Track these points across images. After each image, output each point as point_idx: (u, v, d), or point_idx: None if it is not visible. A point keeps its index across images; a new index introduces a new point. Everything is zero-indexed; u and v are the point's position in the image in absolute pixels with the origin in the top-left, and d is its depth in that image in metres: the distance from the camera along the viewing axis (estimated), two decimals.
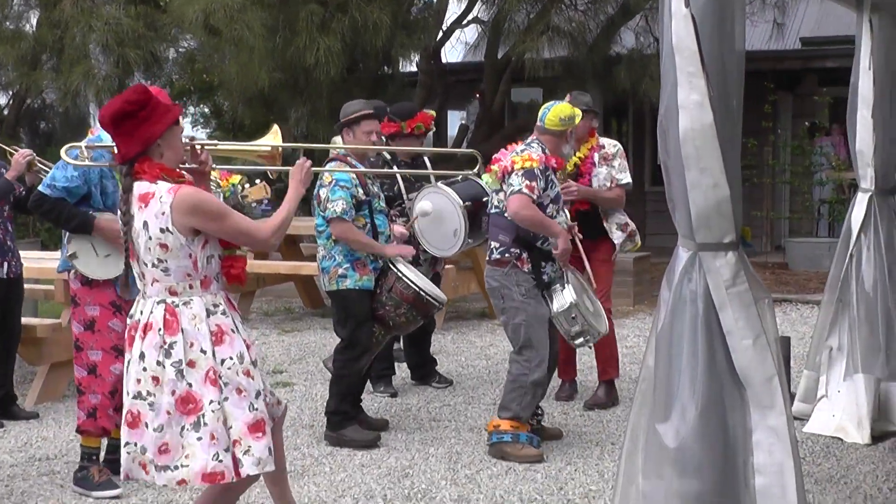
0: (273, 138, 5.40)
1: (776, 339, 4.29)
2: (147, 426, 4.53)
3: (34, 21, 18.07)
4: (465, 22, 16.24)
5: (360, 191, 6.87)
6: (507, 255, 6.61)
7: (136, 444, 4.56)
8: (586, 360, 8.47)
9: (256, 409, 4.58)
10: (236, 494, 4.91)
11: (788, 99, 17.64)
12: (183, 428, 4.51)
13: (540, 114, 6.78)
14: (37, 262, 8.77)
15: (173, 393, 4.50)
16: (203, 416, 4.49)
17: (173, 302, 4.56)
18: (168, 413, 4.50)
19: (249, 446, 4.54)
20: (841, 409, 6.95)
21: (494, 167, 6.75)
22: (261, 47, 13.18)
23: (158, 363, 4.51)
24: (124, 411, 4.62)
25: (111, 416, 6.11)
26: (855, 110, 6.82)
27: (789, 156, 16.69)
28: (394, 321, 6.96)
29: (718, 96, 4.02)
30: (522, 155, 6.60)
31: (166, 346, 4.51)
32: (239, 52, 13.61)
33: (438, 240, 7.85)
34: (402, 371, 8.78)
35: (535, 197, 6.47)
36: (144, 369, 4.53)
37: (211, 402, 4.49)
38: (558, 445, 6.89)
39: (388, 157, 8.20)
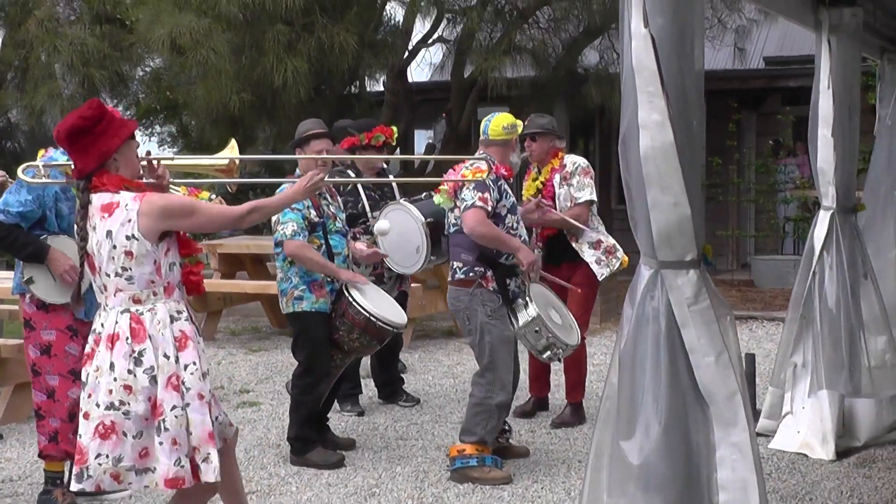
0: (230, 152, 5.42)
1: (739, 356, 4.33)
2: (126, 435, 4.53)
3: None
4: (430, 41, 16.28)
5: (313, 212, 6.82)
6: (471, 274, 6.53)
7: (107, 456, 4.53)
8: (553, 377, 8.47)
9: (217, 418, 4.68)
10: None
11: (752, 118, 17.78)
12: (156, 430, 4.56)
13: (482, 126, 6.76)
14: (0, 282, 8.73)
15: (149, 399, 4.53)
16: (164, 420, 4.51)
17: (137, 310, 4.58)
18: (146, 419, 4.54)
19: (209, 453, 4.57)
20: (806, 426, 7.00)
21: (444, 186, 6.74)
22: (227, 69, 13.17)
23: (129, 371, 4.52)
24: (94, 423, 4.56)
25: (71, 440, 6.08)
26: (816, 129, 6.88)
27: (754, 174, 16.81)
28: (348, 346, 6.89)
29: (679, 116, 4.07)
30: (472, 168, 6.58)
31: (136, 355, 4.53)
32: (206, 74, 13.60)
33: (401, 257, 7.84)
34: (368, 390, 8.77)
35: (489, 209, 6.40)
36: (115, 379, 4.53)
37: (173, 407, 4.52)
38: (525, 463, 6.90)
39: (353, 175, 8.18)
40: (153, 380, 4.52)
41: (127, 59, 15.87)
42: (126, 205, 4.52)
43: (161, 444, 4.51)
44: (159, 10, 13.51)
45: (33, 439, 7.35)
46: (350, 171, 8.19)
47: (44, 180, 5.69)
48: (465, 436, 6.57)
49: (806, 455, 6.91)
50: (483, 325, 6.49)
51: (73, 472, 4.62)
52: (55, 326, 6.03)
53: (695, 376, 4.15)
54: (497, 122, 6.69)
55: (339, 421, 8.03)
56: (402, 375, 9.02)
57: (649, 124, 4.07)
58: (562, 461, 6.97)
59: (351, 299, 6.76)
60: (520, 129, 6.82)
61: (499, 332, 6.49)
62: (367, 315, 6.74)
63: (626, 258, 7.74)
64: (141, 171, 4.81)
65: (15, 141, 28.33)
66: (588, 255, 7.69)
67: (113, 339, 4.57)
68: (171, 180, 5.03)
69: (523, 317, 6.48)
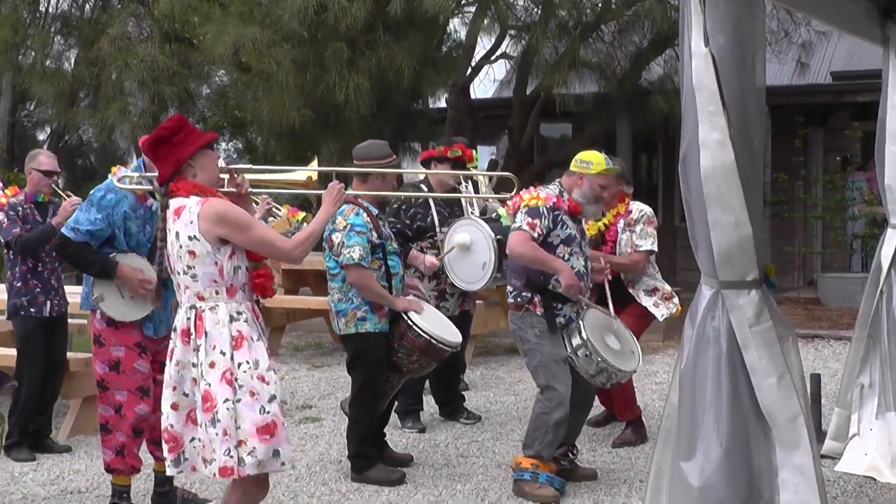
0: (311, 166, 5.55)
1: (802, 378, 4.28)
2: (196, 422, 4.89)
3: (73, 59, 18.32)
4: (493, 58, 16.30)
5: (374, 234, 6.83)
6: (519, 299, 6.59)
7: (199, 440, 4.89)
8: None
9: (267, 413, 4.82)
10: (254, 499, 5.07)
11: (819, 133, 17.58)
12: (205, 424, 4.81)
13: None
14: (71, 297, 8.85)
15: (202, 391, 4.83)
16: (217, 412, 4.76)
17: (200, 307, 4.87)
18: (176, 410, 4.91)
19: (254, 447, 4.78)
20: (873, 448, 6.87)
21: (508, 205, 6.78)
22: (291, 84, 13.28)
23: (194, 365, 4.85)
24: (183, 412, 4.94)
25: (136, 454, 6.16)
26: (883, 145, 6.78)
27: (821, 190, 16.60)
28: (407, 367, 6.92)
29: (739, 134, 4.04)
30: (532, 193, 6.60)
31: (196, 349, 4.84)
32: (270, 90, 13.73)
33: (466, 273, 7.84)
34: (430, 406, 8.77)
35: (534, 234, 6.42)
36: (186, 373, 4.89)
37: (225, 400, 4.76)
38: (586, 483, 6.85)
39: (425, 189, 8.23)
40: (202, 374, 4.81)
41: (195, 77, 16.07)
42: (190, 208, 4.83)
43: (217, 434, 4.76)
44: (225, 24, 13.66)
45: (101, 452, 7.47)
46: (423, 186, 8.23)
47: (133, 186, 5.96)
48: (525, 449, 6.62)
49: (873, 478, 6.78)
50: (534, 347, 6.54)
51: (169, 459, 4.95)
52: (124, 343, 6.11)
53: (756, 398, 4.11)
54: (578, 155, 6.72)
55: (400, 437, 8.05)
56: (463, 393, 9.01)
57: (710, 143, 4.05)
58: (623, 481, 6.92)
59: (410, 322, 6.77)
60: (594, 169, 6.61)
61: (549, 350, 6.50)
62: (428, 338, 6.76)
63: (680, 308, 7.75)
64: (222, 182, 5.11)
65: (86, 158, 28.83)
66: (645, 300, 7.72)
67: (186, 335, 4.88)
68: (250, 190, 5.27)
69: (575, 341, 6.46)
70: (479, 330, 10.88)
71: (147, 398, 6.14)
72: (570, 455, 6.90)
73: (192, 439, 4.92)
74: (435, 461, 7.46)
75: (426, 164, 8.32)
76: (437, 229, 8.10)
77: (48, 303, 7.65)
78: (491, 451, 7.67)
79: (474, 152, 8.36)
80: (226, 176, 5.16)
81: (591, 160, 6.65)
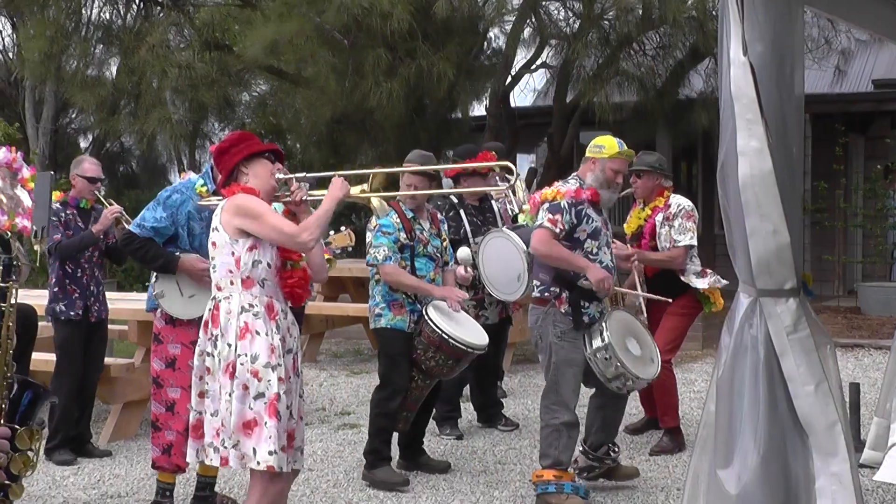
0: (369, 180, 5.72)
1: (839, 386, 4.27)
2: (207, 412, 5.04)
3: (114, 68, 18.51)
4: (533, 67, 16.33)
5: (403, 235, 6.98)
6: (546, 293, 6.50)
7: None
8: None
9: (252, 409, 4.86)
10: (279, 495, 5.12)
11: (860, 141, 17.48)
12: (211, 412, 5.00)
13: None
14: (112, 304, 8.94)
15: (216, 381, 4.98)
16: (230, 400, 4.90)
17: (218, 297, 5.02)
18: (217, 400, 4.97)
19: (238, 441, 4.87)
20: None
21: (526, 205, 6.77)
22: (328, 87, 13.35)
23: (208, 354, 5.00)
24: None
25: (183, 453, 6.22)
26: None
27: (861, 199, 16.50)
28: (426, 365, 6.97)
29: (778, 143, 4.04)
30: (551, 189, 6.55)
31: (212, 339, 4.99)
32: (308, 95, 13.82)
33: (504, 284, 7.88)
34: (468, 413, 8.80)
35: (557, 230, 6.34)
36: (205, 361, 5.03)
37: (226, 392, 4.89)
38: (623, 490, 6.86)
39: (456, 200, 8.27)
40: (219, 363, 4.94)
41: (234, 84, 16.19)
42: (222, 203, 5.06)
43: (216, 426, 4.94)
44: (264, 28, 13.77)
45: (141, 457, 7.57)
46: (452, 197, 8.27)
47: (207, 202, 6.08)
48: (542, 460, 6.55)
49: None
50: (551, 345, 6.46)
51: (195, 446, 5.13)
52: (181, 341, 6.27)
53: (794, 405, 4.11)
54: (593, 141, 6.63)
55: (438, 444, 8.08)
56: (501, 400, 9.03)
57: (748, 151, 4.05)
58: (660, 489, 6.92)
59: (427, 318, 6.90)
60: (607, 152, 6.48)
61: (565, 353, 6.42)
62: (440, 333, 6.83)
63: (721, 301, 7.76)
64: (277, 189, 5.24)
65: (128, 165, 29.10)
66: (699, 283, 7.70)
67: (206, 325, 5.06)
68: (307, 198, 5.33)
69: (595, 342, 6.36)
70: (517, 338, 10.89)
71: None
72: (612, 453, 6.88)
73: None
74: (473, 468, 7.48)
75: (456, 179, 8.35)
76: (471, 240, 8.12)
77: (87, 308, 7.74)
78: (528, 459, 7.68)
79: (495, 155, 8.32)
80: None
81: (604, 144, 6.54)
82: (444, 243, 7.35)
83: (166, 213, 6.23)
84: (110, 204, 7.76)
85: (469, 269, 7.51)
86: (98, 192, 7.89)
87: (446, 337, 6.84)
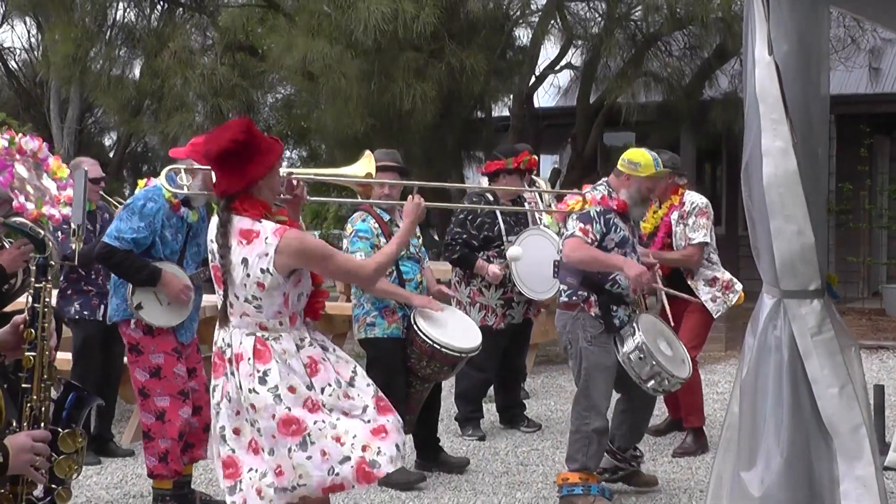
0: (367, 162, 5.50)
1: (864, 388, 4.24)
2: (262, 451, 4.73)
3: (137, 70, 18.58)
4: (558, 67, 16.30)
5: (382, 239, 6.81)
6: (574, 297, 6.47)
7: (256, 470, 4.75)
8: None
9: (369, 421, 4.73)
10: None
11: (886, 142, 17.37)
12: (290, 449, 4.66)
13: None
14: None
15: (273, 417, 4.65)
16: (309, 434, 4.65)
17: (263, 335, 4.72)
18: (273, 437, 4.67)
19: (378, 447, 4.70)
20: None
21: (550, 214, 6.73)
22: (356, 94, 13.36)
23: (251, 390, 4.67)
24: (245, 439, 4.78)
25: (179, 458, 6.25)
26: None
27: (886, 200, 16.40)
28: (422, 373, 6.91)
29: (803, 143, 4.02)
30: (579, 198, 6.52)
31: (260, 374, 4.66)
32: (335, 100, 13.82)
33: (536, 282, 7.86)
34: (490, 414, 8.78)
35: (589, 240, 6.31)
36: (243, 399, 4.71)
37: (315, 422, 4.65)
38: (647, 493, 6.84)
39: (491, 198, 8.24)
40: (278, 398, 4.64)
41: (258, 87, 16.21)
42: (266, 238, 4.62)
43: (310, 458, 4.65)
44: (292, 37, 13.77)
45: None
46: (488, 195, 8.25)
47: (185, 191, 5.96)
48: (569, 463, 6.51)
49: None
50: (582, 350, 6.42)
51: (226, 485, 4.81)
52: (162, 350, 6.24)
53: (818, 408, 4.08)
54: (626, 154, 6.56)
55: (461, 445, 8.07)
56: (523, 401, 9.01)
57: (773, 151, 4.03)
58: (683, 490, 6.90)
59: (416, 328, 6.77)
60: (643, 171, 6.42)
61: (596, 358, 6.38)
62: (432, 343, 6.74)
63: (744, 295, 7.69)
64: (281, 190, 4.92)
65: (151, 165, 29.21)
66: (703, 293, 7.69)
67: (237, 360, 4.72)
68: (308, 198, 5.17)
69: (628, 343, 6.32)
70: (540, 339, 10.87)
71: (188, 401, 6.28)
72: (636, 459, 6.85)
73: (251, 469, 4.76)
74: (494, 469, 7.47)
75: (494, 175, 8.29)
76: (504, 238, 8.11)
77: (103, 307, 7.71)
78: (551, 460, 7.67)
79: (535, 158, 8.34)
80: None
81: (640, 161, 6.44)
82: (419, 240, 7.27)
83: (144, 223, 6.12)
84: (119, 203, 7.71)
85: (502, 267, 7.50)
86: (102, 191, 7.88)
87: (438, 347, 6.75)
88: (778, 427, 4.08)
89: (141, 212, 6.13)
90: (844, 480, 4.07)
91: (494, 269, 7.78)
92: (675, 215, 7.74)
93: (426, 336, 6.74)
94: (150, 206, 6.15)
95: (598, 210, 6.40)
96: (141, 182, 6.48)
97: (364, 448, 4.68)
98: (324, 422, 4.66)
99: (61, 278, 7.74)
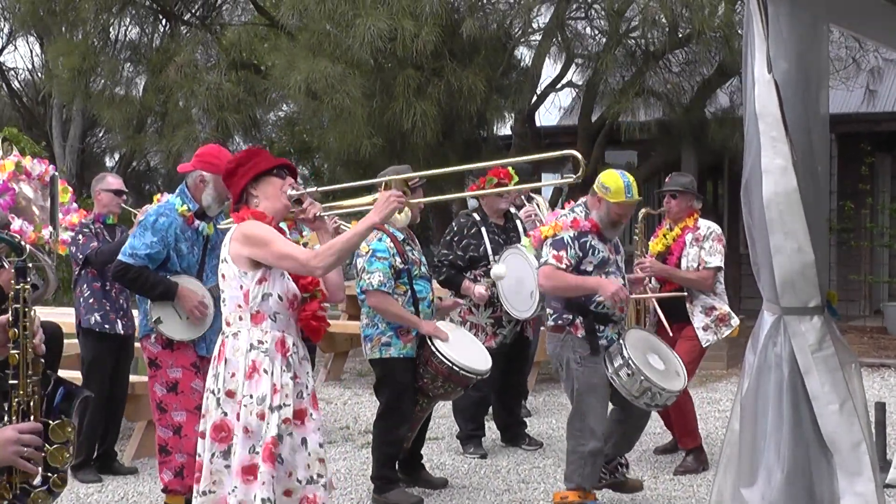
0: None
1: (864, 405, 4.25)
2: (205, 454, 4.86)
3: (141, 87, 18.64)
4: (559, 86, 16.33)
5: (398, 259, 6.83)
6: (559, 321, 6.50)
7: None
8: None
9: (256, 453, 4.66)
10: None
11: (887, 161, 17.37)
12: (213, 455, 4.74)
13: None
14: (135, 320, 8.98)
15: (212, 421, 4.77)
16: (234, 445, 4.69)
17: (225, 332, 4.83)
18: (212, 441, 4.77)
19: (235, 486, 4.68)
20: None
21: (527, 239, 6.76)
22: (360, 114, 13.39)
23: (210, 391, 4.81)
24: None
25: (195, 474, 6.22)
26: None
27: (888, 218, 16.41)
28: (433, 392, 6.93)
29: (803, 161, 4.03)
30: (551, 223, 6.52)
31: (215, 375, 4.80)
32: (338, 118, 13.85)
33: (518, 301, 7.86)
34: (491, 432, 8.78)
35: (563, 266, 6.31)
36: (208, 399, 4.83)
37: (235, 435, 4.70)
38: (636, 492, 6.86)
39: (479, 218, 8.24)
40: (217, 402, 4.75)
41: (261, 104, 16.25)
42: (231, 232, 4.83)
43: (227, 467, 4.73)
44: (294, 56, 13.80)
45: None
46: (475, 215, 8.25)
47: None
48: (567, 482, 6.58)
49: None
50: (572, 371, 6.44)
51: (198, 490, 4.89)
52: (181, 364, 6.24)
53: (818, 424, 4.08)
54: (602, 176, 6.50)
55: (462, 463, 8.07)
56: (525, 419, 9.01)
57: (772, 169, 4.04)
58: None
59: (434, 349, 6.77)
60: (612, 197, 6.36)
61: (586, 379, 6.40)
62: (450, 365, 6.76)
63: (738, 328, 7.77)
64: (289, 207, 4.96)
65: (154, 184, 29.30)
66: (697, 319, 7.73)
67: (212, 360, 4.90)
68: (322, 214, 5.07)
69: (616, 361, 6.34)
70: (542, 356, 10.87)
71: None
72: (620, 467, 6.87)
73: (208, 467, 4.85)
74: (496, 486, 7.47)
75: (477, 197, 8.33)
76: (491, 258, 8.08)
77: (118, 322, 7.73)
78: (552, 478, 7.67)
79: (511, 170, 8.26)
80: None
81: (611, 186, 6.39)
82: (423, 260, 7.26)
83: (157, 238, 6.16)
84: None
85: (487, 287, 7.50)
86: (124, 204, 7.93)
87: (457, 368, 6.77)
88: (778, 443, 4.08)
89: (153, 227, 6.17)
90: (845, 497, 4.07)
91: (480, 289, 7.78)
92: (689, 237, 7.77)
93: (444, 357, 6.75)
94: (162, 220, 6.19)
95: (571, 235, 6.40)
96: (156, 197, 6.52)
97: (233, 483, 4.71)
98: (236, 436, 4.71)
99: (85, 287, 7.72)
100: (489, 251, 8.11)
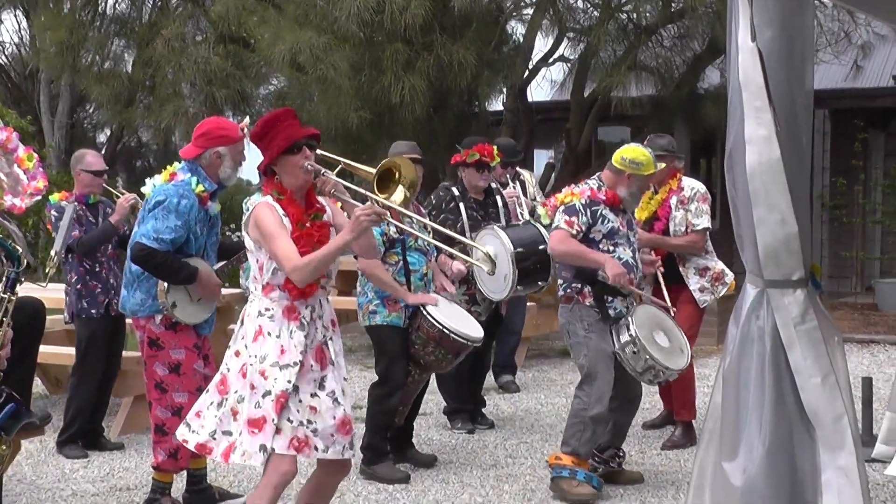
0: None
1: (847, 379, 4.21)
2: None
3: (130, 62, 18.53)
4: (551, 60, 16.24)
5: (392, 228, 6.79)
6: (569, 290, 6.56)
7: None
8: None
9: (261, 407, 4.83)
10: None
11: (880, 137, 17.33)
12: (212, 403, 4.99)
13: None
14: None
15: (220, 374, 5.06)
16: (226, 399, 4.92)
17: (247, 299, 5.12)
18: (215, 390, 5.04)
19: (241, 434, 4.86)
20: None
21: (548, 204, 6.79)
22: (346, 86, 13.31)
23: (228, 349, 5.08)
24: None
25: (188, 455, 6.16)
26: None
27: (881, 195, 16.37)
28: (424, 360, 6.92)
29: (786, 131, 3.97)
30: (566, 191, 6.61)
31: (236, 338, 5.05)
32: (326, 91, 13.77)
33: (492, 283, 7.75)
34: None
35: (573, 232, 6.40)
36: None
37: (235, 392, 4.89)
38: (634, 485, 6.81)
39: (457, 192, 8.12)
40: (229, 358, 5.01)
41: (250, 78, 16.16)
42: (250, 209, 5.02)
43: (215, 416, 4.94)
44: (280, 28, 13.71)
45: (150, 450, 7.53)
46: (454, 189, 8.12)
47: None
48: (563, 445, 6.58)
49: None
50: (581, 339, 6.48)
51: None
52: (184, 345, 6.16)
53: (800, 398, 4.05)
54: (621, 151, 6.56)
55: (450, 438, 8.05)
56: (483, 398, 8.84)
57: (756, 140, 3.99)
58: (671, 483, 6.88)
59: (425, 313, 6.80)
60: (644, 170, 6.49)
61: (595, 344, 6.44)
62: (441, 328, 6.76)
63: (734, 283, 7.67)
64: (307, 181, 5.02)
65: (145, 160, 29.15)
66: (693, 281, 7.71)
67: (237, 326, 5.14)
68: (338, 187, 5.08)
69: (623, 337, 6.40)
70: (531, 332, 10.86)
71: None
72: (618, 458, 6.85)
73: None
74: (483, 461, 7.45)
75: (455, 168, 8.23)
76: (467, 234, 7.90)
77: (109, 302, 7.67)
78: (539, 453, 7.64)
79: (494, 148, 8.17)
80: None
81: (642, 161, 6.49)
82: (430, 233, 7.18)
83: (181, 221, 5.96)
84: (122, 193, 7.65)
85: (464, 263, 7.42)
86: (106, 183, 7.81)
87: (447, 332, 6.76)
88: (760, 417, 4.05)
89: (177, 210, 5.94)
90: (826, 470, 4.04)
91: (458, 265, 7.69)
92: (674, 199, 7.71)
93: (435, 320, 6.76)
94: (185, 202, 5.96)
95: (583, 202, 6.48)
96: (165, 173, 6.28)
97: (240, 433, 4.86)
98: (240, 395, 4.87)
99: (73, 273, 7.66)
100: (466, 228, 7.97)
